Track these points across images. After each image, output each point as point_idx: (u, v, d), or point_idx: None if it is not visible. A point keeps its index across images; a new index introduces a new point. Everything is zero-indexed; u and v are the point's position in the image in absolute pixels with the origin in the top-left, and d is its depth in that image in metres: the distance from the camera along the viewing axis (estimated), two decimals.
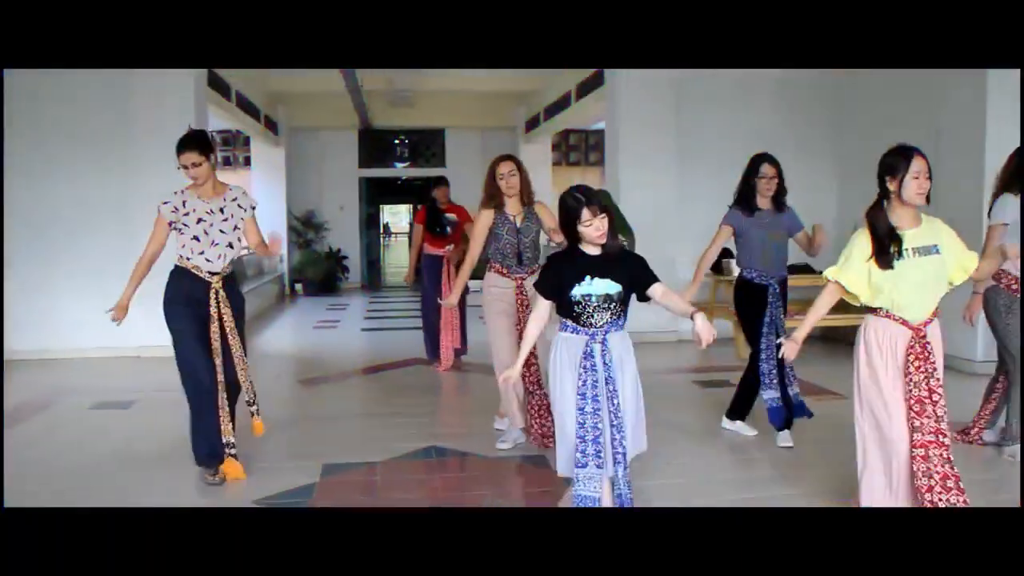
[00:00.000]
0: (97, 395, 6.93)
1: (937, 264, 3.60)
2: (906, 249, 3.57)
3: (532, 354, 5.05)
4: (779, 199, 5.37)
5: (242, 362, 4.69)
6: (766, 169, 5.28)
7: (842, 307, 9.32)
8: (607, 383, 3.53)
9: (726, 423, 5.70)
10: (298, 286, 15.83)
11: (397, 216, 37.73)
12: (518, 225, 5.28)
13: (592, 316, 3.54)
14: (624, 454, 3.55)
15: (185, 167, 4.56)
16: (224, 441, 4.67)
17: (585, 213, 3.46)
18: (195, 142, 4.56)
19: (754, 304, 5.31)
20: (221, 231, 4.65)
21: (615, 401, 3.53)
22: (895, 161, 3.62)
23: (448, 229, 8.10)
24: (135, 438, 5.66)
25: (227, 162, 16.30)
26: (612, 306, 3.55)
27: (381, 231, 25.38)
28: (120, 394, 6.94)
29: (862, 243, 3.66)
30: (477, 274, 5.48)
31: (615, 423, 3.53)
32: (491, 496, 4.52)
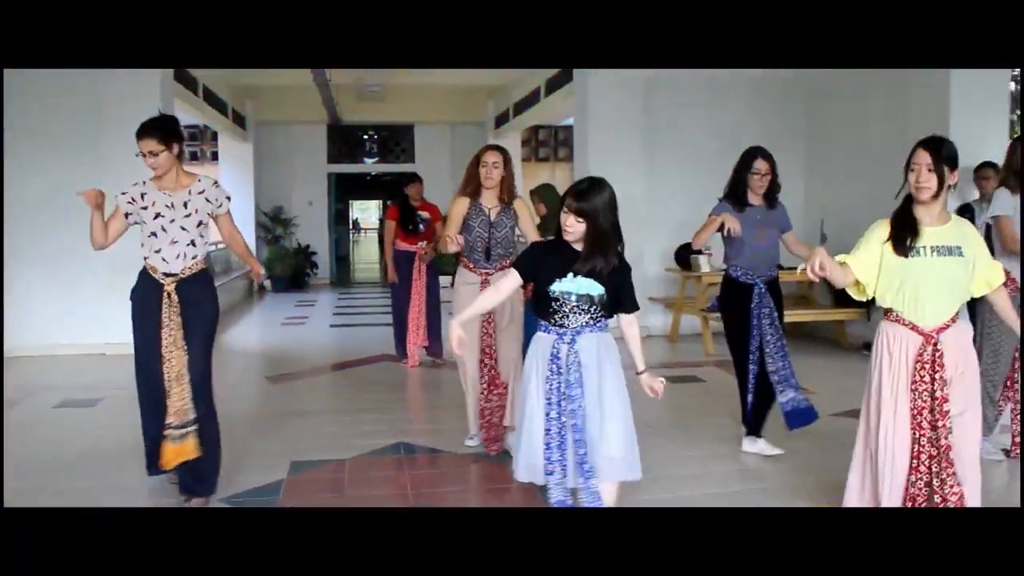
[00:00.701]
0: (63, 393, 6.86)
1: (958, 267, 3.37)
2: (923, 246, 3.35)
3: (488, 355, 4.98)
4: (771, 195, 5.12)
5: (179, 382, 4.10)
6: (760, 165, 5.01)
7: (808, 303, 9.39)
8: (570, 386, 3.28)
9: (747, 445, 5.24)
10: (267, 282, 15.73)
11: (366, 212, 37.62)
12: (492, 219, 5.03)
13: (567, 316, 3.30)
14: (589, 466, 3.28)
15: (143, 155, 4.12)
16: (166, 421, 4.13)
17: (567, 199, 3.30)
18: (155, 128, 4.11)
19: (737, 304, 5.09)
20: (182, 228, 4.18)
21: (577, 407, 3.28)
22: (910, 154, 3.43)
23: (421, 227, 8.08)
24: (101, 436, 5.60)
25: (194, 157, 16.18)
26: (592, 309, 3.30)
27: (350, 227, 25.31)
28: (86, 392, 6.87)
29: (881, 227, 3.46)
30: (451, 271, 5.43)
31: (576, 434, 3.27)
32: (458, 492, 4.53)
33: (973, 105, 7.26)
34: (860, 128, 9.09)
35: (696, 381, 7.34)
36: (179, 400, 4.11)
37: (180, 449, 4.14)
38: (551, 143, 17.26)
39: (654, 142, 9.68)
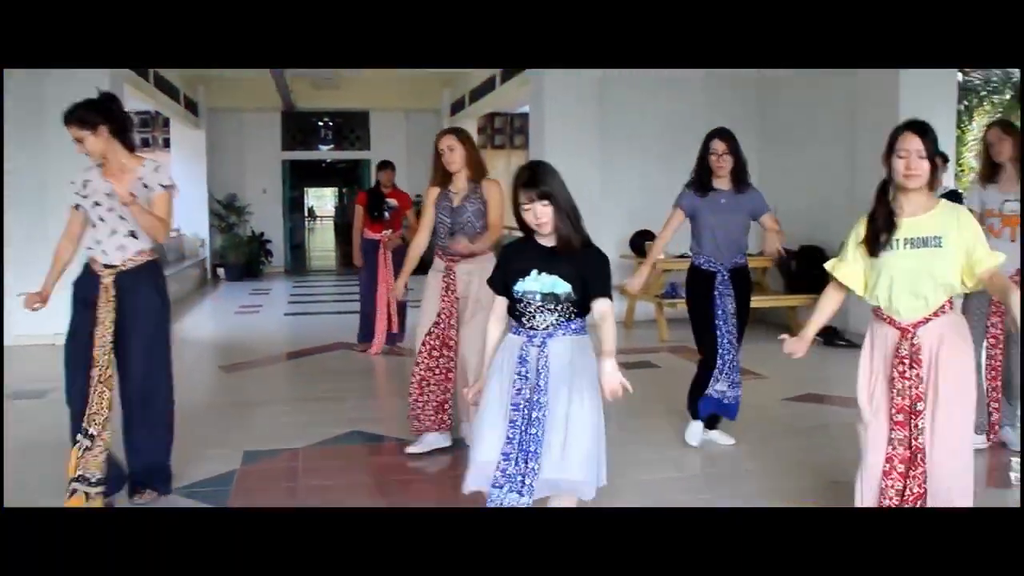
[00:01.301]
0: (11, 384, 6.73)
1: (935, 258, 3.15)
2: (898, 239, 3.19)
3: (448, 346, 4.83)
4: (739, 178, 4.95)
5: (106, 387, 3.88)
6: (716, 145, 4.87)
7: (761, 289, 9.46)
8: (538, 392, 3.00)
9: (693, 436, 5.07)
10: (220, 271, 15.57)
11: (322, 200, 37.32)
12: (454, 204, 4.82)
13: (535, 317, 3.05)
14: (531, 483, 2.96)
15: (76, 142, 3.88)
16: (76, 476, 3.84)
17: (521, 195, 3.02)
18: (75, 113, 3.84)
19: (700, 292, 4.97)
20: (121, 217, 3.93)
21: (541, 415, 2.99)
22: (889, 139, 3.24)
23: (387, 214, 8.04)
24: (49, 428, 5.50)
25: (145, 143, 15.90)
26: (560, 307, 3.03)
27: (306, 215, 25.12)
28: (35, 383, 6.75)
29: (859, 228, 3.31)
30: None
31: (531, 445, 2.98)
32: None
33: (922, 89, 7.35)
34: (811, 116, 9.20)
35: (650, 367, 7.39)
36: (98, 410, 3.86)
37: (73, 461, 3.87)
38: (507, 131, 17.23)
39: (609, 131, 9.70)
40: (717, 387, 4.95)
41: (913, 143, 3.16)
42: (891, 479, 3.20)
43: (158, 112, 14.66)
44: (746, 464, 4.81)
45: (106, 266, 3.96)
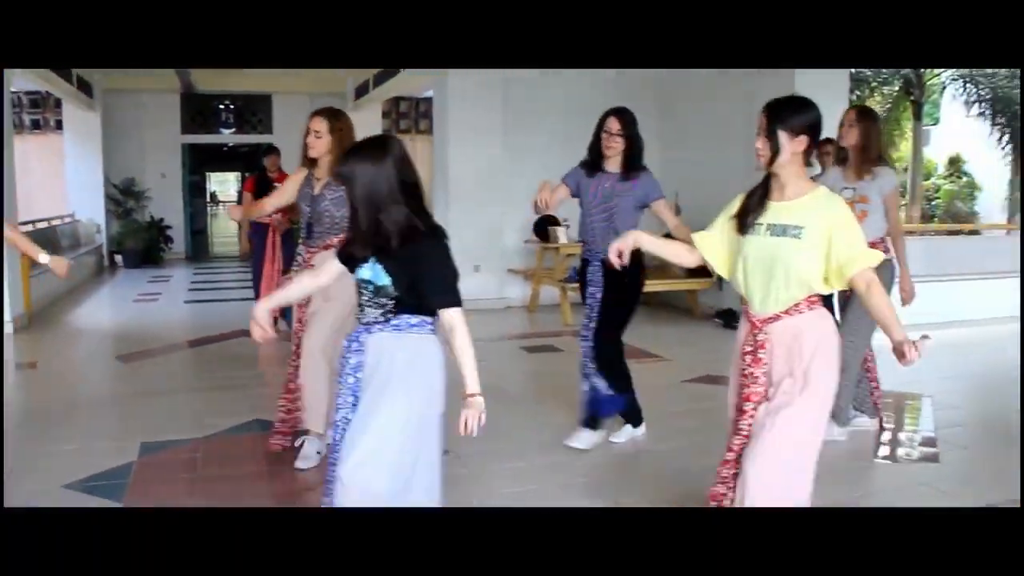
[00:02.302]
0: None
1: (791, 250, 2.82)
2: (761, 223, 2.90)
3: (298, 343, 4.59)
4: (630, 162, 4.63)
5: None
6: (610, 123, 4.62)
7: (663, 273, 9.59)
8: (344, 389, 2.81)
9: (582, 440, 4.83)
10: (118, 258, 15.14)
11: (224, 184, 36.54)
12: (315, 191, 4.44)
13: (364, 309, 2.80)
14: (334, 488, 2.75)
15: None
16: None
17: None
18: None
19: (582, 281, 4.82)
20: None
21: (345, 416, 2.80)
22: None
23: None
24: None
25: (36, 125, 15.37)
26: (384, 303, 2.74)
27: (208, 200, 24.54)
28: None
29: (733, 203, 3.05)
30: None
31: (336, 448, 2.79)
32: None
33: (816, 86, 7.55)
34: (711, 102, 9.38)
35: (553, 351, 7.49)
36: None
37: None
38: (412, 115, 17.12)
39: (515, 115, 9.75)
40: (585, 385, 4.81)
41: (759, 121, 2.92)
42: (727, 468, 3.02)
43: (49, 93, 14.16)
44: (645, 445, 4.92)
45: None
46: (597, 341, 4.71)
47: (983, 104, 14.46)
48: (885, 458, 4.78)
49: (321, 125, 4.36)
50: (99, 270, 14.32)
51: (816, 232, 2.80)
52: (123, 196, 15.54)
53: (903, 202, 17.36)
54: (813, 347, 2.86)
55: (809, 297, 2.87)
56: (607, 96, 9.97)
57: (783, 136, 2.84)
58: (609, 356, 4.73)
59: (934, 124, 19.14)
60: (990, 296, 9.33)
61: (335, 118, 4.42)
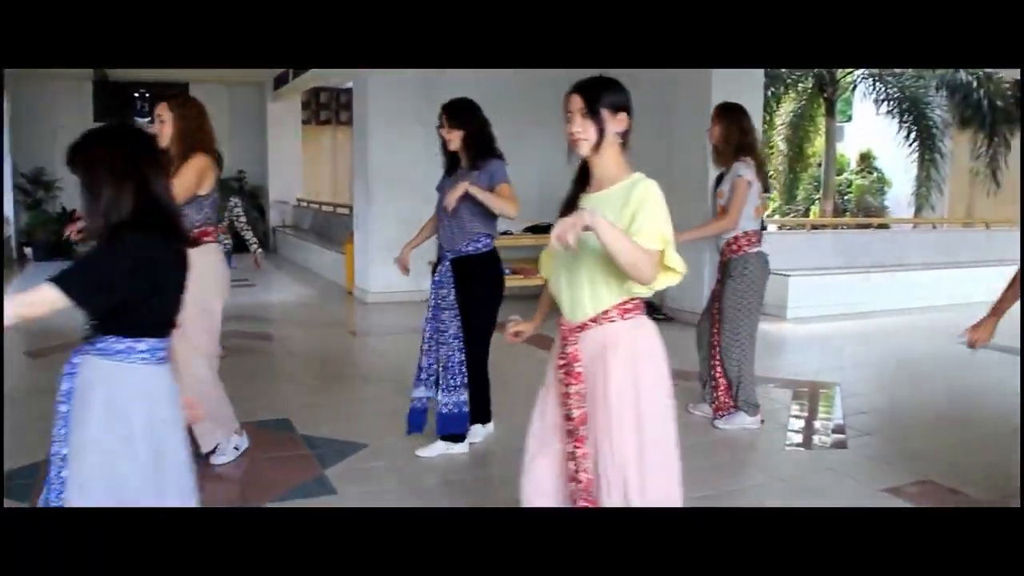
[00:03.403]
0: None
1: (590, 247, 2.43)
2: None
3: None
4: (476, 154, 4.40)
5: None
6: (441, 119, 4.52)
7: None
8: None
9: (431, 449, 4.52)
10: (27, 250, 14.71)
11: None
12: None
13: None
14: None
15: None
16: None
17: None
18: None
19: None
20: None
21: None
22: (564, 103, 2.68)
23: None
24: None
25: None
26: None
27: None
28: None
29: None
30: None
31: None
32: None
33: (731, 81, 7.74)
34: (635, 110, 9.46)
35: None
36: None
37: None
38: (332, 106, 17.01)
39: (434, 108, 9.69)
40: (417, 391, 4.51)
41: (575, 103, 2.60)
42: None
43: None
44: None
45: None
46: (463, 349, 4.37)
47: (891, 103, 14.88)
48: (797, 445, 4.93)
49: (163, 112, 4.12)
50: (8, 263, 13.90)
51: (622, 223, 2.40)
52: (32, 186, 15.12)
53: (816, 196, 17.80)
54: (624, 371, 2.49)
55: (623, 303, 2.52)
56: (531, 89, 10.05)
57: (606, 114, 2.56)
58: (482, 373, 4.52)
59: (847, 121, 19.64)
60: (898, 288, 9.66)
61: (182, 105, 4.19)
